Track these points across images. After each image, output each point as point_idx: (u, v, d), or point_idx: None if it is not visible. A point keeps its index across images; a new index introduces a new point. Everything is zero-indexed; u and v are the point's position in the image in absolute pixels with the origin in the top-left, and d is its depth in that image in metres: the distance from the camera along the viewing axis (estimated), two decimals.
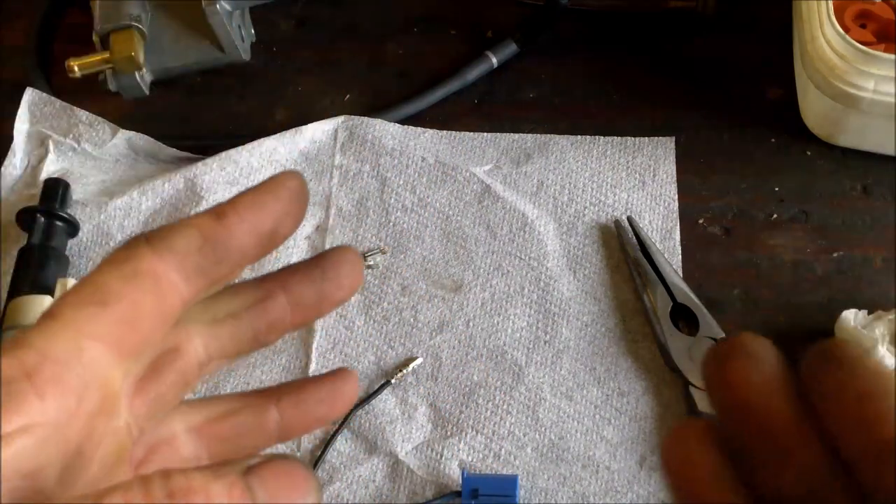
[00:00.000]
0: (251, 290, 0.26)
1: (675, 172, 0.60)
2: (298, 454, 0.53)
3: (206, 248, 0.23)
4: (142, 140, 0.63)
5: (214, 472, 0.21)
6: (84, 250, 0.60)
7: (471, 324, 0.56)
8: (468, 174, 0.61)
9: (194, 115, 0.66)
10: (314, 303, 0.26)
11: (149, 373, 0.25)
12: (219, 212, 0.24)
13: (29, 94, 0.65)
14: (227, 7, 0.64)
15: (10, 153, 0.63)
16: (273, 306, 0.26)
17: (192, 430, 0.26)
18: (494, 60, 0.65)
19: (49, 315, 0.22)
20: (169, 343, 0.25)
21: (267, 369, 0.55)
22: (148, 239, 0.23)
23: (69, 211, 0.60)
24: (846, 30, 0.55)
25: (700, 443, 0.22)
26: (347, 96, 0.66)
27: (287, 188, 0.25)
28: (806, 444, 0.21)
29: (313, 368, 0.55)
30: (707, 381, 0.22)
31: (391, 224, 0.60)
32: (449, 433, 0.53)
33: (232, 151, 0.61)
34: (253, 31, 0.69)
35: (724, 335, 0.53)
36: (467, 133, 0.63)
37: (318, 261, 0.26)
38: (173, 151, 0.64)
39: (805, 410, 0.21)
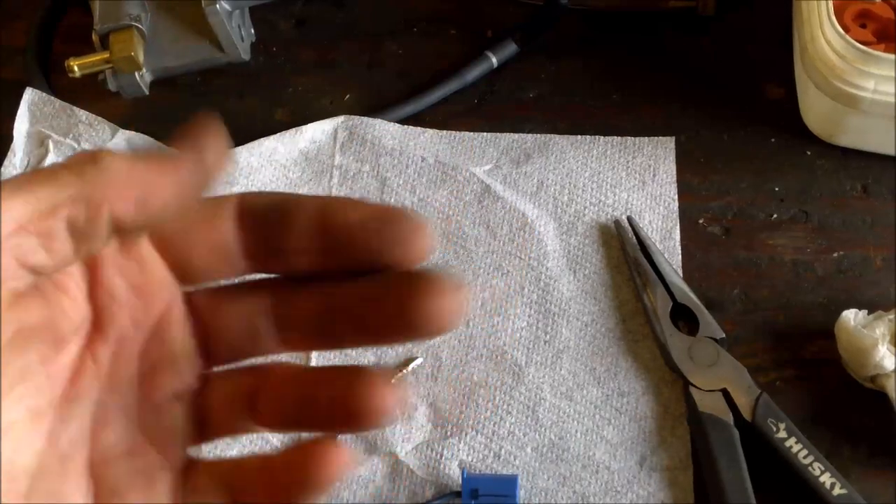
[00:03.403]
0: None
1: (675, 172, 0.60)
2: None
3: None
4: (142, 140, 0.63)
5: None
6: None
7: (471, 324, 0.56)
8: (468, 174, 0.61)
9: (194, 115, 0.66)
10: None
11: None
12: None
13: (29, 94, 0.65)
14: (227, 7, 0.64)
15: (10, 153, 0.63)
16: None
17: None
18: (494, 60, 0.65)
19: None
20: None
21: None
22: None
23: None
24: (846, 30, 0.55)
25: None
26: (347, 96, 0.66)
27: None
28: None
29: (314, 364, 0.55)
30: None
31: None
32: (449, 433, 0.53)
33: (232, 151, 0.62)
34: (253, 31, 0.69)
35: (723, 335, 0.53)
36: (467, 133, 0.63)
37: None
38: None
39: None
